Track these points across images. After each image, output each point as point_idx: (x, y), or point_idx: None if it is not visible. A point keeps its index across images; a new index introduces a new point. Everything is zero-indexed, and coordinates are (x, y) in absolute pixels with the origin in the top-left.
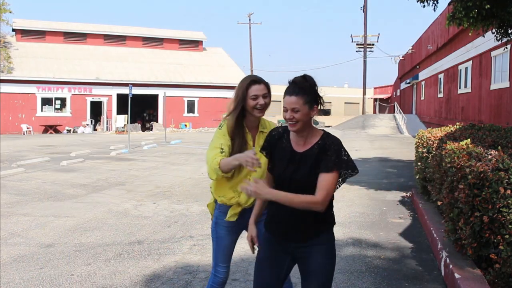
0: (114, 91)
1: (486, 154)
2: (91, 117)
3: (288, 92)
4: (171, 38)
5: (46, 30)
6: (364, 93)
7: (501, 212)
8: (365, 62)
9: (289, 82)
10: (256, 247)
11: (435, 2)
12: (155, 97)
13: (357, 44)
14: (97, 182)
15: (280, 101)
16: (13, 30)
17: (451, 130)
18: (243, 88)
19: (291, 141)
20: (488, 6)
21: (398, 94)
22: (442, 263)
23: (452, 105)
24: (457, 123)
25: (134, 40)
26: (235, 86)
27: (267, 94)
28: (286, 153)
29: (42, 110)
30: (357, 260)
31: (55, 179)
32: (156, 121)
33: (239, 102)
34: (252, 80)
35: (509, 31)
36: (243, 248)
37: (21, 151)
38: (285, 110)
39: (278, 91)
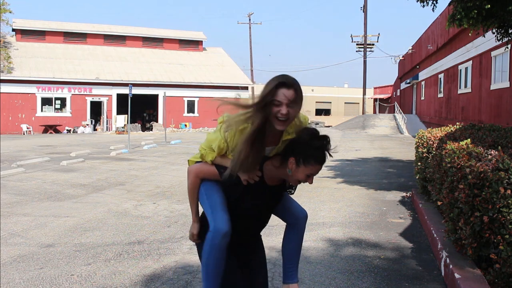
0: (114, 91)
1: (486, 154)
2: (91, 117)
3: (322, 162)
4: (171, 38)
5: (46, 30)
6: (364, 93)
7: (501, 212)
8: (365, 62)
9: (318, 151)
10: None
11: (434, 2)
12: (155, 97)
13: (357, 44)
14: (97, 182)
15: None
16: (13, 30)
17: (451, 130)
18: (270, 88)
19: (266, 177)
20: (488, 6)
21: (398, 94)
22: (442, 263)
23: (452, 105)
24: (457, 123)
25: (134, 40)
26: (235, 86)
27: (295, 104)
28: (263, 188)
29: (42, 110)
30: (357, 260)
31: (55, 179)
32: (156, 121)
33: (262, 105)
34: (281, 82)
35: (510, 31)
36: None
37: (21, 151)
38: (309, 176)
39: None
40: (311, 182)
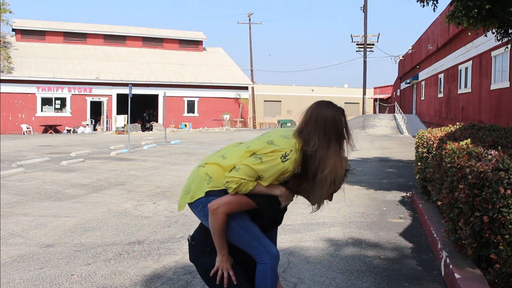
0: (114, 91)
1: (486, 154)
2: (91, 117)
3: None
4: (171, 38)
5: (46, 30)
6: (364, 93)
7: (501, 212)
8: (365, 62)
9: None
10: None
11: (435, 2)
12: (155, 97)
13: (357, 44)
14: (97, 182)
15: (280, 101)
16: (13, 30)
17: (451, 130)
18: (340, 117)
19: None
20: (488, 6)
21: (398, 94)
22: (442, 263)
23: (452, 105)
24: (457, 123)
25: (134, 40)
26: (235, 86)
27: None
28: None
29: (42, 110)
30: (357, 260)
31: (55, 179)
32: (156, 121)
33: (340, 134)
34: (343, 111)
35: (510, 31)
36: None
37: (21, 151)
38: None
39: (278, 91)
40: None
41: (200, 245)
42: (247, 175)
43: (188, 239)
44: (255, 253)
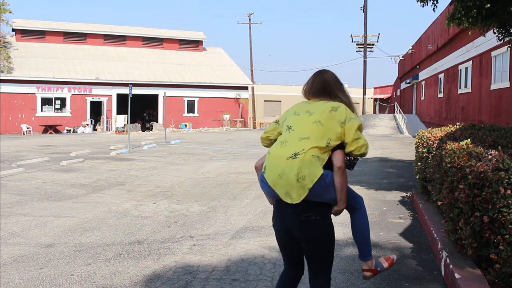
0: (114, 91)
1: (486, 154)
2: (91, 117)
3: None
4: (171, 38)
5: (46, 30)
6: (364, 93)
7: (501, 212)
8: (365, 62)
9: None
10: None
11: (435, 2)
12: (155, 97)
13: (357, 44)
14: (97, 182)
15: (280, 101)
16: (13, 30)
17: (451, 130)
18: (335, 75)
19: None
20: (488, 5)
21: (398, 94)
22: (442, 263)
23: (452, 105)
24: (457, 123)
25: (134, 40)
26: (235, 86)
27: None
28: None
29: (42, 110)
30: (357, 260)
31: (55, 179)
32: (156, 121)
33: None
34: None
35: (511, 31)
36: (243, 248)
37: (21, 151)
38: None
39: (278, 91)
40: None
41: (325, 217)
42: (360, 135)
43: (309, 219)
44: (356, 201)
